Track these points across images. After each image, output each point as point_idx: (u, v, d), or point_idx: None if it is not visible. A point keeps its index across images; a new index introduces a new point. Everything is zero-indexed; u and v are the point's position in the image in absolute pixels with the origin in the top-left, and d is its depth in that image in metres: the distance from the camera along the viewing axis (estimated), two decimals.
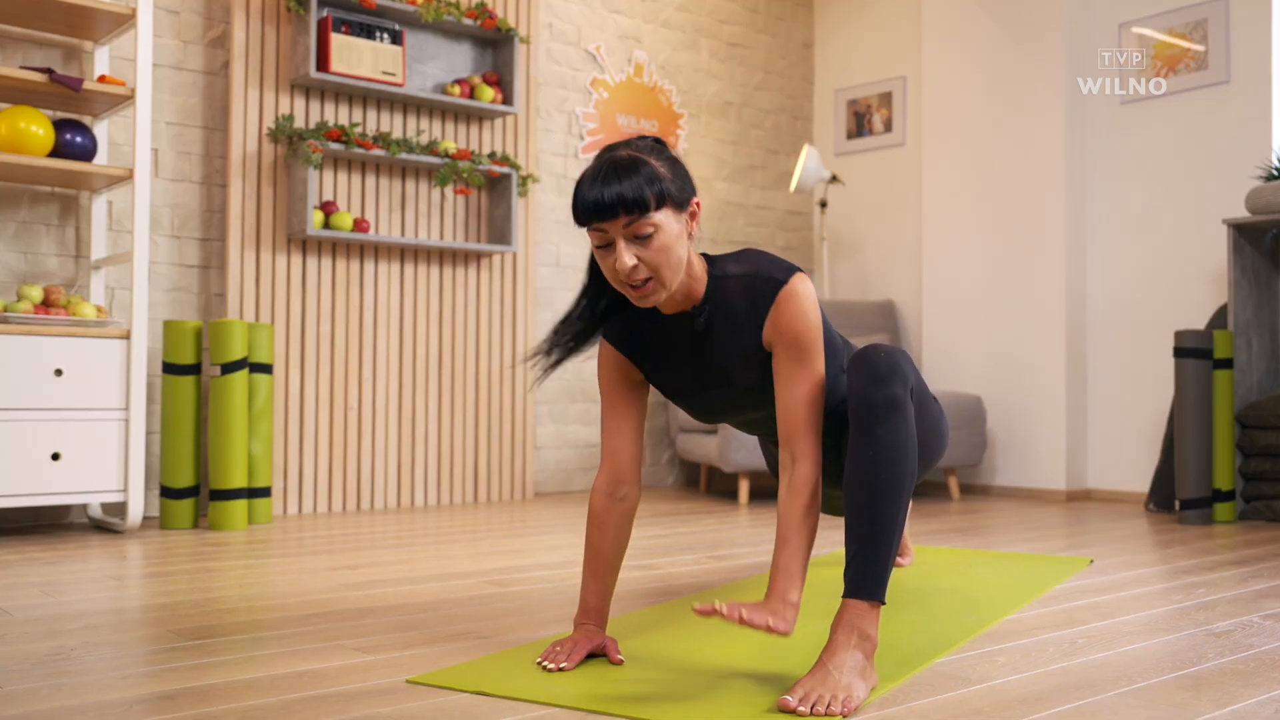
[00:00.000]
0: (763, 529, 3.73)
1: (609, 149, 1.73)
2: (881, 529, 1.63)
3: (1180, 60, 4.65)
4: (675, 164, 1.74)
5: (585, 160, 5.04)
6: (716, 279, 1.80)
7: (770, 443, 2.29)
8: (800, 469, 1.72)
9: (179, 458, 3.58)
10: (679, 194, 1.70)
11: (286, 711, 1.54)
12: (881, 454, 1.64)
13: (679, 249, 1.69)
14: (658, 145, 1.76)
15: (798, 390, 1.74)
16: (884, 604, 1.64)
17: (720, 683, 1.69)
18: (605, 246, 1.68)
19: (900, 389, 1.66)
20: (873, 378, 1.67)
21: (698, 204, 1.75)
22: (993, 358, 5.06)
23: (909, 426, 1.66)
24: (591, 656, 1.82)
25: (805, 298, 1.74)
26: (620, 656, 1.81)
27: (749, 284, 1.77)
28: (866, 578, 1.63)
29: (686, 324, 1.82)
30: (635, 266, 1.66)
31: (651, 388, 2.14)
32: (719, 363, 1.83)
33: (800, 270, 1.78)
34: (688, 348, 1.84)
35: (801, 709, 1.51)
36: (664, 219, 1.67)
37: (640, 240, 1.66)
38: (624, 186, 1.63)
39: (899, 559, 2.77)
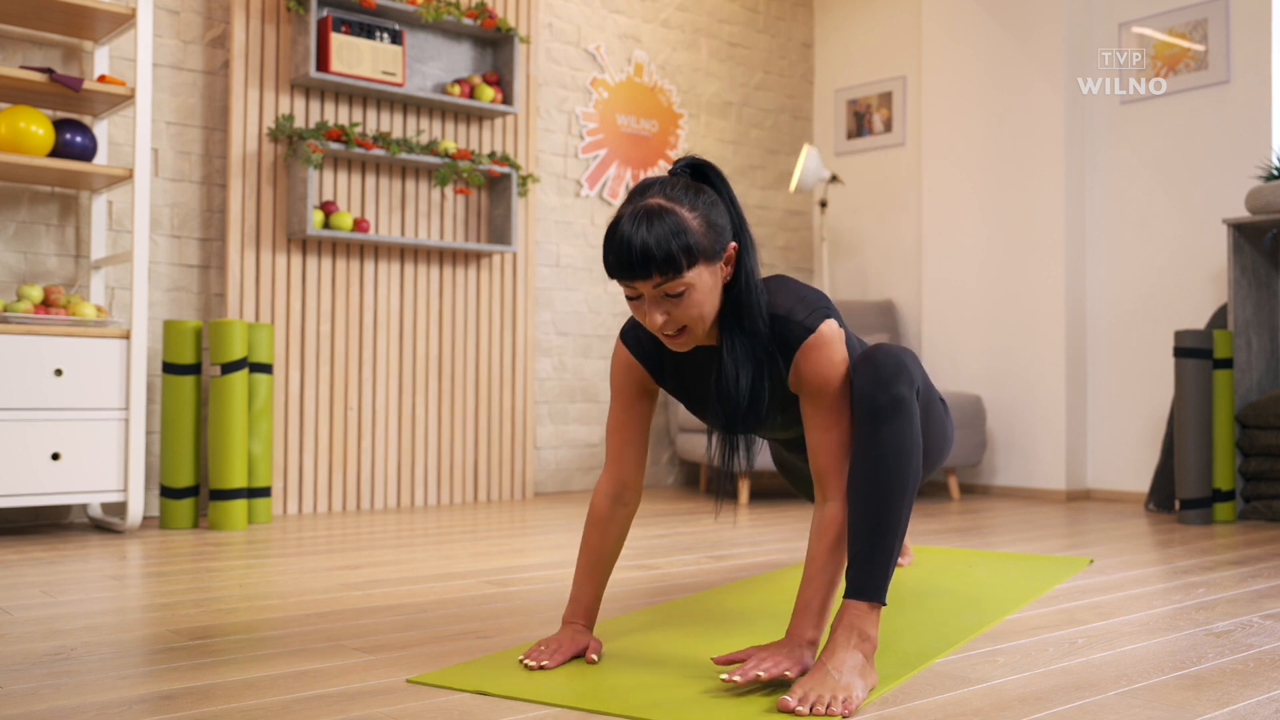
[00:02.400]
0: (762, 529, 3.73)
1: (642, 190, 1.65)
2: (884, 531, 1.63)
3: (1180, 60, 4.65)
4: (712, 207, 1.65)
5: (585, 160, 5.04)
6: None
7: (783, 449, 2.29)
8: (830, 509, 1.70)
9: (179, 458, 3.58)
10: (712, 246, 1.63)
11: (286, 711, 1.54)
12: (886, 455, 1.64)
13: (712, 301, 1.65)
14: (694, 184, 1.67)
15: (828, 435, 1.71)
16: (884, 605, 1.64)
17: (720, 682, 1.69)
18: (635, 298, 1.64)
19: (906, 389, 1.65)
20: (878, 379, 1.66)
21: (734, 248, 1.67)
22: (993, 358, 5.06)
23: (914, 428, 1.65)
24: (576, 657, 1.82)
25: (831, 347, 1.70)
26: (596, 657, 1.80)
27: (776, 325, 1.71)
28: (867, 579, 1.63)
29: (713, 355, 1.77)
30: (666, 321, 1.64)
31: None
32: None
33: (829, 314, 1.72)
34: (713, 375, 1.78)
35: (801, 709, 1.52)
36: (696, 276, 1.61)
37: (672, 298, 1.62)
38: (655, 246, 1.57)
39: (899, 559, 2.77)
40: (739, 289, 1.68)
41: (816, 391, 1.71)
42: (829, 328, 1.70)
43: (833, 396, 1.70)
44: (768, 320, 1.71)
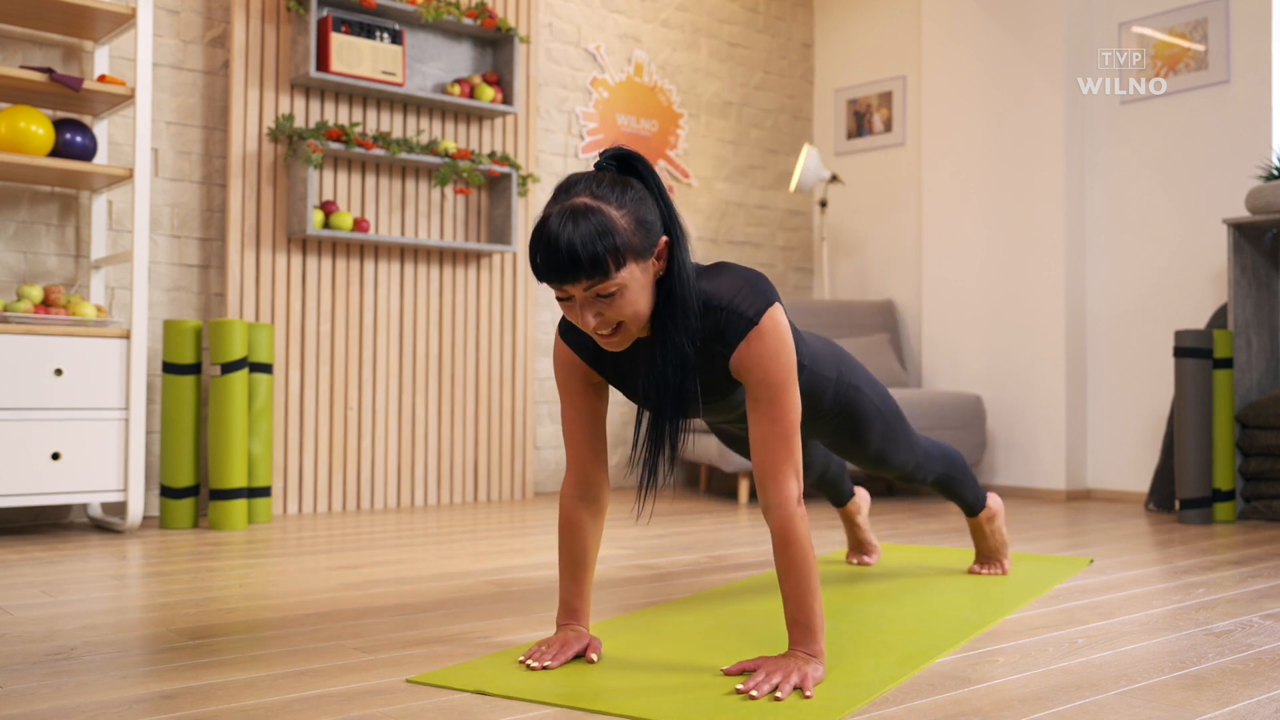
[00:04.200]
0: (763, 529, 3.73)
1: (567, 188, 1.61)
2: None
3: (1180, 60, 4.65)
4: (640, 202, 1.61)
5: (585, 160, 5.04)
6: None
7: (728, 431, 2.35)
8: (772, 519, 1.70)
9: (179, 457, 3.58)
10: (642, 244, 1.60)
11: (286, 711, 1.54)
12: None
13: (644, 298, 1.63)
14: (620, 178, 1.63)
15: (767, 429, 1.68)
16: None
17: (720, 682, 1.69)
18: (566, 299, 1.62)
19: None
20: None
21: (664, 243, 1.64)
22: (993, 358, 5.06)
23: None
24: (577, 657, 1.82)
25: (774, 337, 1.67)
26: (596, 656, 1.81)
27: (719, 315, 1.69)
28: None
29: (648, 346, 1.72)
30: (600, 322, 1.62)
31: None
32: None
33: (773, 301, 1.70)
34: (643, 369, 1.75)
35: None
36: (628, 276, 1.58)
37: (603, 299, 1.59)
38: (582, 248, 1.53)
39: (866, 558, 2.92)
40: (671, 282, 1.65)
41: (758, 384, 1.68)
42: (771, 318, 1.68)
43: (774, 389, 1.68)
44: (704, 311, 1.68)
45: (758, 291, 1.69)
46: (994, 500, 2.70)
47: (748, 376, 1.69)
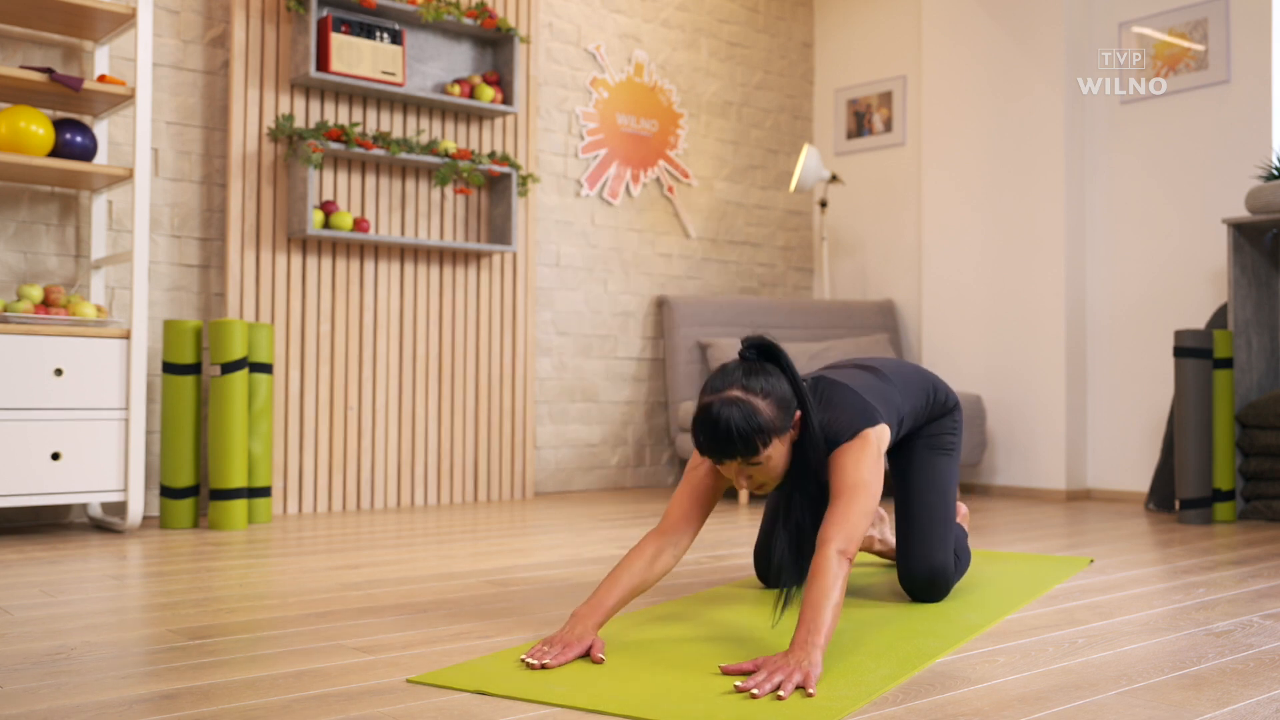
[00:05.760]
0: None
1: (721, 379, 1.95)
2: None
3: (1180, 60, 4.65)
4: (779, 388, 1.96)
5: (585, 160, 5.04)
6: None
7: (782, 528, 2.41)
8: (823, 552, 1.86)
9: (179, 457, 3.58)
10: (782, 425, 1.96)
11: (286, 711, 1.54)
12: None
13: (783, 462, 2.00)
14: (760, 365, 1.97)
15: (833, 511, 1.92)
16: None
17: (719, 682, 1.69)
18: (721, 464, 1.97)
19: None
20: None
21: (799, 417, 2.00)
22: (993, 357, 5.07)
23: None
24: (580, 657, 1.83)
25: (857, 450, 2.01)
26: (602, 656, 1.82)
27: (827, 432, 2.07)
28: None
29: (787, 486, 2.08)
30: (749, 484, 2.00)
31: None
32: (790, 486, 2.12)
33: (875, 423, 2.07)
34: (780, 505, 2.12)
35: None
36: (771, 451, 1.96)
37: (752, 466, 1.97)
38: (738, 438, 1.91)
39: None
40: (804, 443, 2.03)
41: (837, 481, 1.99)
42: (864, 439, 2.04)
43: (846, 492, 1.95)
44: (826, 449, 2.04)
45: (862, 421, 2.08)
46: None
47: (831, 474, 2.02)
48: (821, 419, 2.07)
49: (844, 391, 2.14)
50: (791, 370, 2.01)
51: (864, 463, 1.99)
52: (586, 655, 1.82)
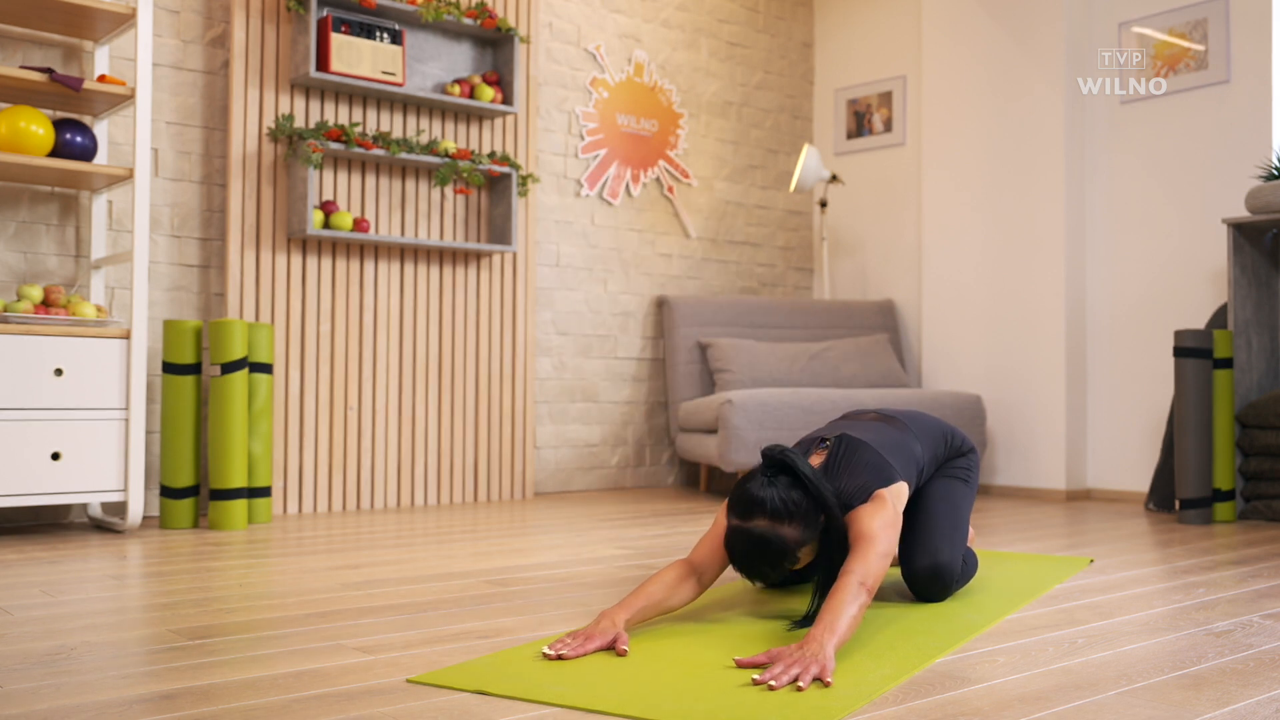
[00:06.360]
0: None
1: (747, 509, 2.03)
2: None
3: (1180, 60, 4.65)
4: (802, 500, 2.04)
5: (585, 160, 5.04)
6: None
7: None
8: (840, 582, 1.94)
9: (179, 457, 3.58)
10: (810, 536, 2.07)
11: (286, 711, 1.54)
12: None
13: (813, 553, 2.12)
14: (782, 479, 2.05)
15: (851, 562, 1.97)
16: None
17: (721, 682, 1.69)
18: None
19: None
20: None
21: (824, 519, 2.08)
22: (993, 357, 5.07)
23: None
24: (603, 649, 1.88)
25: (872, 509, 2.09)
26: (625, 648, 1.86)
27: (846, 498, 2.17)
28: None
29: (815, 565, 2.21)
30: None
31: None
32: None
33: (891, 483, 2.20)
34: (815, 578, 2.22)
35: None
36: (802, 556, 2.09)
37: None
38: (771, 569, 2.06)
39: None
40: (829, 531, 2.11)
41: (854, 535, 2.07)
42: (879, 499, 2.13)
43: (861, 543, 2.02)
44: (845, 522, 2.11)
45: (875, 484, 2.18)
46: None
47: (850, 530, 2.09)
48: (839, 487, 2.18)
49: (864, 452, 2.25)
50: (809, 477, 2.08)
51: (878, 517, 2.07)
52: (610, 648, 1.87)
